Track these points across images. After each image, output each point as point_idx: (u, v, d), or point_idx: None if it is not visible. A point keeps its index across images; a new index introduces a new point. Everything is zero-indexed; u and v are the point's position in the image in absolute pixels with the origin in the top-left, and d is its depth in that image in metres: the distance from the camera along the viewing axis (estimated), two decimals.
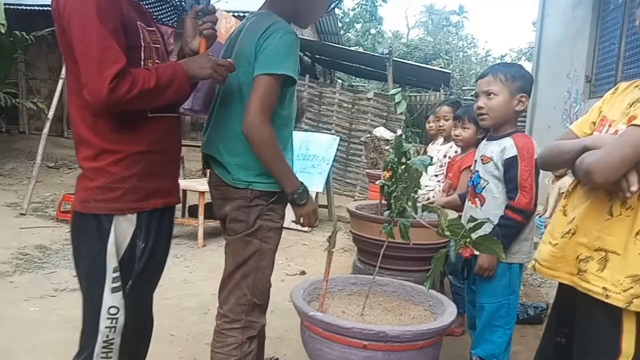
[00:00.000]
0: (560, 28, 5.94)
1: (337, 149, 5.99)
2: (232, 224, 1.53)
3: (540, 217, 4.72)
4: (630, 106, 1.11)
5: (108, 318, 1.28)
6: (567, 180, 4.46)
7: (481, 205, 2.03)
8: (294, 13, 1.59)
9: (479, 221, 1.37)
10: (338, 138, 5.94)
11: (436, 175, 3.46)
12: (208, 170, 1.69)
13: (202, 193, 4.66)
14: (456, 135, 2.84)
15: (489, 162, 1.99)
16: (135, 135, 1.29)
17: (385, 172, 2.16)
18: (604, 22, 4.71)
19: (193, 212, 4.98)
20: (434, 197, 3.35)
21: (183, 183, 4.89)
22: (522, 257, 1.94)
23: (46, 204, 5.84)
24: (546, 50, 6.54)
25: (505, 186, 1.93)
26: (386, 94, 8.55)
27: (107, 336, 1.29)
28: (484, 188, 2.02)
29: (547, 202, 4.69)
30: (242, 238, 1.51)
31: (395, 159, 2.22)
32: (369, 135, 6.30)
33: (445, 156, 3.36)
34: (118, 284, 1.28)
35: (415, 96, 13.06)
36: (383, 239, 1.96)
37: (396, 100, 2.34)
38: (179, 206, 5.28)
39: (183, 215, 5.30)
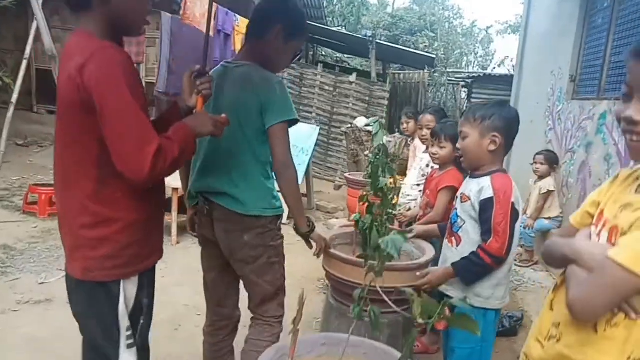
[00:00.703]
0: (546, 22, 5.80)
1: (317, 138, 5.88)
2: (252, 251, 1.73)
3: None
4: (621, 210, 1.02)
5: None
6: (549, 182, 4.46)
7: (457, 245, 1.97)
8: (265, 63, 1.77)
9: (455, 299, 1.30)
10: (318, 128, 5.81)
11: (418, 185, 3.39)
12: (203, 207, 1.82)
13: (175, 189, 4.52)
14: (433, 154, 2.77)
15: (467, 201, 1.93)
16: (139, 203, 1.31)
17: (361, 203, 2.08)
18: (591, 21, 4.60)
19: (167, 206, 4.85)
20: (415, 206, 3.30)
21: None
22: (496, 303, 1.90)
23: (13, 192, 5.58)
24: (531, 43, 6.41)
25: (480, 227, 1.87)
26: (369, 78, 8.39)
27: None
28: (460, 227, 1.96)
29: (528, 202, 4.69)
30: (267, 261, 1.77)
31: (371, 192, 2.14)
32: (349, 125, 6.16)
33: (427, 165, 3.29)
34: (132, 340, 1.35)
35: (399, 74, 12.90)
36: (357, 282, 1.89)
37: (373, 132, 2.23)
38: None
39: None
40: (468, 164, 1.99)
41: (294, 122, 1.75)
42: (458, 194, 2.02)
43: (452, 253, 1.99)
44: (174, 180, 4.49)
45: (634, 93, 0.98)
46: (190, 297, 3.36)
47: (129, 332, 1.34)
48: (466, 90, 12.58)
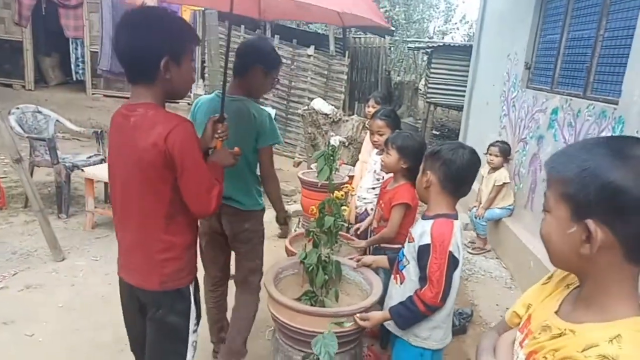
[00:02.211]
0: (503, 6, 5.69)
1: (275, 116, 5.69)
2: (251, 234, 2.38)
3: (471, 209, 4.79)
4: (542, 330, 0.97)
5: (192, 348, 1.79)
6: (504, 173, 4.50)
7: (401, 283, 1.95)
8: (251, 93, 2.33)
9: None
10: (274, 111, 5.62)
11: (373, 188, 3.32)
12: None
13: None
14: (382, 160, 2.74)
15: (412, 242, 1.88)
16: (190, 230, 1.73)
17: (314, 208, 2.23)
18: (547, 9, 4.53)
19: None
20: (372, 209, 3.25)
21: (103, 172, 4.47)
22: (433, 344, 1.90)
23: None
24: (489, 24, 6.31)
25: (419, 272, 1.84)
26: (327, 51, 8.11)
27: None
28: (405, 267, 1.93)
29: (480, 194, 4.74)
30: (259, 242, 2.44)
31: (317, 228, 2.06)
32: (306, 108, 5.98)
33: (382, 169, 3.22)
34: (196, 327, 1.79)
35: (360, 38, 12.60)
36: (303, 328, 1.84)
37: (319, 168, 2.13)
38: (100, 194, 4.93)
39: (106, 201, 4.93)
40: (419, 198, 2.04)
41: (277, 143, 2.40)
42: (409, 231, 1.97)
43: (396, 290, 1.97)
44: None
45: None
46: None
47: (194, 320, 1.77)
48: (427, 55, 12.48)
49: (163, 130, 1.50)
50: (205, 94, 2.55)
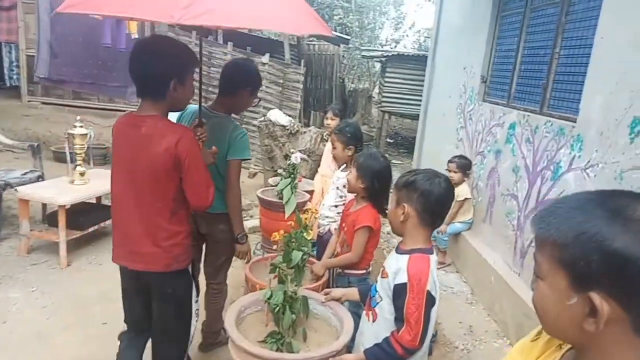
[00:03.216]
0: (459, 17, 5.75)
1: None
2: (223, 234, 2.63)
3: None
4: None
5: (195, 315, 2.22)
6: (465, 189, 4.50)
7: (373, 320, 1.82)
8: (233, 110, 2.64)
9: None
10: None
11: (336, 206, 3.19)
12: None
13: (62, 207, 3.93)
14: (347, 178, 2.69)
15: (386, 278, 1.76)
16: (188, 220, 2.08)
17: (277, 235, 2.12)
18: (502, 23, 4.60)
19: (53, 220, 4.21)
20: (335, 229, 3.12)
21: (40, 192, 4.08)
22: None
23: None
24: (444, 36, 6.36)
25: (395, 311, 1.72)
26: (282, 59, 7.94)
27: (194, 324, 2.23)
28: (378, 304, 1.80)
29: None
30: (230, 240, 2.65)
31: (284, 264, 1.89)
32: (262, 119, 5.79)
33: (345, 186, 3.10)
34: (197, 298, 2.24)
35: (314, 44, 12.53)
36: None
37: (285, 200, 1.96)
38: (37, 213, 4.49)
39: (44, 222, 4.50)
40: (393, 231, 1.90)
41: (246, 159, 2.59)
42: (381, 267, 1.84)
43: (369, 328, 1.85)
44: (60, 197, 3.93)
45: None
46: (81, 345, 2.95)
47: (195, 292, 2.21)
48: (380, 64, 12.58)
49: (172, 138, 1.86)
50: None
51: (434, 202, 1.70)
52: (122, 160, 1.96)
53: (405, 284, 1.65)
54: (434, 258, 1.74)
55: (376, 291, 1.82)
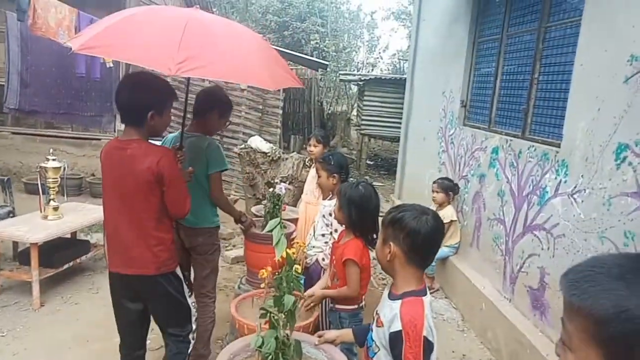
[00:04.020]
0: (435, 43, 5.83)
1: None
2: (204, 247, 2.87)
3: None
4: None
5: (194, 307, 2.53)
6: (451, 211, 4.48)
7: None
8: (206, 132, 2.84)
9: None
10: None
11: (323, 235, 3.11)
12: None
13: (34, 244, 3.73)
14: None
15: (381, 327, 1.66)
16: (171, 228, 2.37)
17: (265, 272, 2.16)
18: (480, 48, 4.68)
19: (25, 258, 4.00)
20: (323, 259, 3.02)
21: (10, 229, 3.87)
22: None
23: None
24: (422, 60, 6.45)
25: None
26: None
27: (195, 316, 2.55)
28: (375, 354, 1.70)
29: None
30: (212, 253, 2.93)
31: (275, 308, 1.79)
32: (243, 146, 5.70)
33: (331, 215, 3.03)
34: (190, 293, 2.53)
35: (292, 69, 12.59)
36: None
37: (274, 241, 1.88)
38: (8, 250, 4.26)
39: (15, 260, 4.27)
40: (383, 270, 1.84)
41: (225, 170, 2.85)
42: (374, 313, 1.75)
43: None
44: (32, 234, 3.73)
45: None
46: None
47: (188, 291, 2.48)
48: (357, 87, 12.70)
49: (155, 158, 2.14)
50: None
51: (422, 241, 1.62)
52: (111, 178, 2.25)
53: (400, 331, 1.56)
54: (427, 300, 1.66)
55: (372, 340, 1.73)
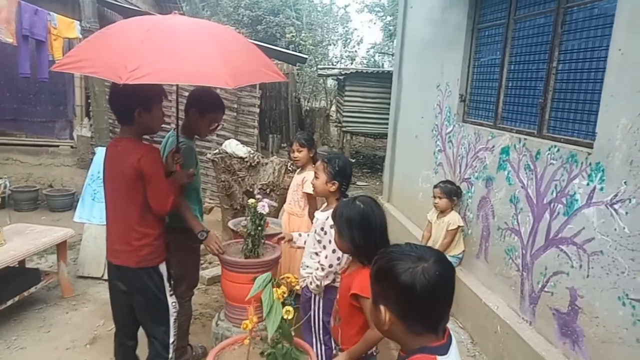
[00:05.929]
0: (427, 29, 5.32)
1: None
2: (172, 244, 2.69)
3: None
4: None
5: (173, 308, 2.56)
6: (456, 217, 4.01)
7: None
8: (193, 133, 2.89)
9: None
10: None
11: (317, 254, 2.56)
12: None
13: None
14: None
15: None
16: (159, 223, 2.47)
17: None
18: (481, 36, 4.18)
19: None
20: (312, 283, 2.51)
21: None
22: None
23: None
24: (410, 52, 5.93)
25: None
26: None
27: (175, 317, 2.58)
28: None
29: (430, 237, 4.20)
30: (182, 254, 2.90)
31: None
32: (217, 151, 5.10)
33: (322, 229, 2.51)
34: (171, 292, 2.58)
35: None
36: None
37: (265, 312, 1.33)
38: None
39: None
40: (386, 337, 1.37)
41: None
42: None
43: None
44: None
45: None
46: None
47: (169, 288, 2.56)
48: (336, 82, 12.15)
49: (136, 155, 2.29)
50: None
51: (420, 300, 1.14)
52: (106, 174, 2.44)
53: None
54: None
55: None
